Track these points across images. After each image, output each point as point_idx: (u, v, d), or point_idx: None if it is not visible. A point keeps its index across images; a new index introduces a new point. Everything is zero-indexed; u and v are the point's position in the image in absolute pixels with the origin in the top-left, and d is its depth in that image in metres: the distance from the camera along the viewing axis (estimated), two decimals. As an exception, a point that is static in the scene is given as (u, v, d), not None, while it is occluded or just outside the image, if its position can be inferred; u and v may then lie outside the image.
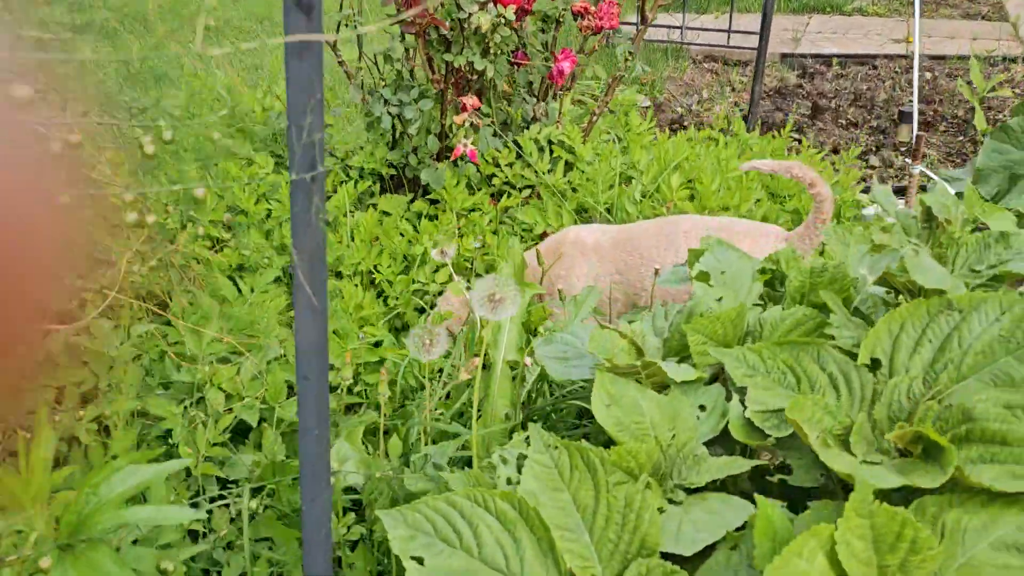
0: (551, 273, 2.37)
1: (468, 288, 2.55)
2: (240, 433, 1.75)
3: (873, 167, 4.20)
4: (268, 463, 1.48)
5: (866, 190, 3.86)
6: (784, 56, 5.99)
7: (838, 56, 5.86)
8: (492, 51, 2.66)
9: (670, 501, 1.18)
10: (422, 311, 2.49)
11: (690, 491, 1.18)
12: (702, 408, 1.29)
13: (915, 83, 2.85)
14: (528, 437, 1.24)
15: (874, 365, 1.20)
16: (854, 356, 1.31)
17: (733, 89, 5.37)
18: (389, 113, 2.67)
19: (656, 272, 2.28)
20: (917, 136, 2.45)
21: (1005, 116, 4.47)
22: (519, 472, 1.20)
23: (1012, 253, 1.20)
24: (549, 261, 2.39)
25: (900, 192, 3.73)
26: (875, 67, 5.63)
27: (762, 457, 1.25)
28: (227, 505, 1.48)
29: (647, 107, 5.29)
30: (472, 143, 2.62)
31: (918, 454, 1.06)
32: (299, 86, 0.84)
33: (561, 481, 1.14)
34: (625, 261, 2.30)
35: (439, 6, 2.60)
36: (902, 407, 1.14)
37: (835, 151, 4.42)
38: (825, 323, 1.41)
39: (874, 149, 4.38)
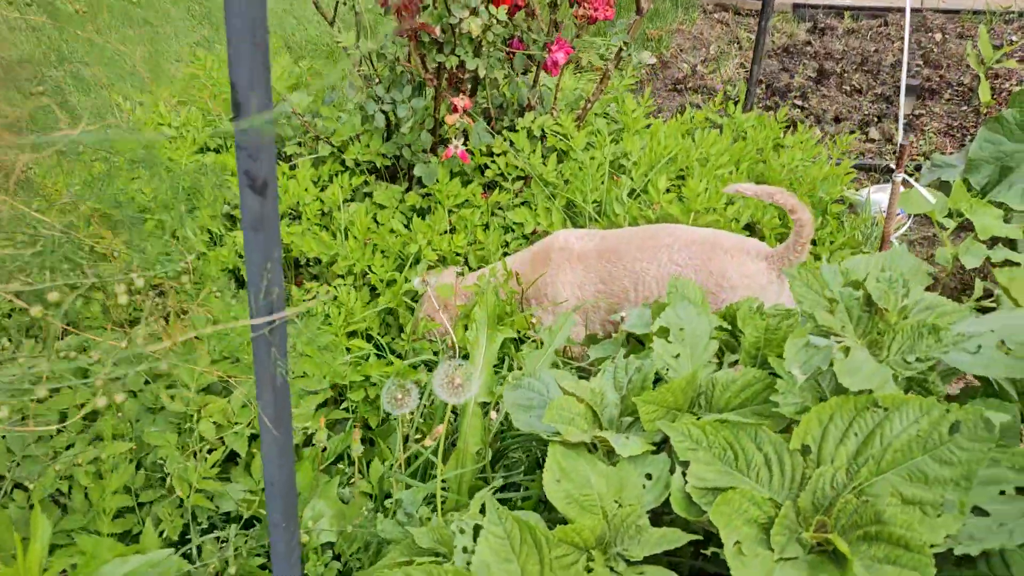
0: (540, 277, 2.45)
1: (460, 274, 2.65)
2: (232, 454, 1.87)
3: (872, 139, 4.20)
4: (256, 500, 1.61)
5: (864, 166, 3.88)
6: (796, 7, 5.90)
7: (851, 8, 5.76)
8: (485, 48, 2.68)
9: (611, 570, 1.29)
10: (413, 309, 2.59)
11: (630, 562, 1.30)
12: (649, 476, 1.39)
13: (904, 84, 2.86)
14: (484, 506, 1.35)
15: (805, 451, 1.29)
16: (797, 422, 1.40)
17: (740, 47, 5.32)
18: (382, 111, 2.72)
19: (637, 279, 2.37)
20: (902, 146, 2.48)
21: (1012, 87, 4.44)
22: (475, 540, 1.31)
23: (940, 350, 1.28)
24: (539, 265, 2.47)
25: (891, 171, 3.76)
26: (887, 23, 5.54)
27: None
28: (217, 538, 1.61)
29: (652, 64, 5.26)
30: (463, 143, 2.67)
31: (830, 552, 1.16)
32: (256, 254, 0.93)
33: (512, 552, 1.26)
34: (609, 271, 2.37)
35: (431, 4, 2.62)
36: (825, 495, 1.24)
37: (837, 120, 4.41)
38: (773, 386, 1.50)
39: (876, 119, 4.37)
